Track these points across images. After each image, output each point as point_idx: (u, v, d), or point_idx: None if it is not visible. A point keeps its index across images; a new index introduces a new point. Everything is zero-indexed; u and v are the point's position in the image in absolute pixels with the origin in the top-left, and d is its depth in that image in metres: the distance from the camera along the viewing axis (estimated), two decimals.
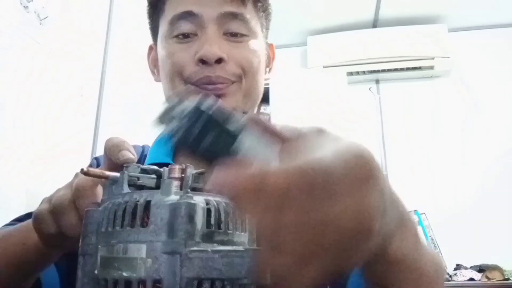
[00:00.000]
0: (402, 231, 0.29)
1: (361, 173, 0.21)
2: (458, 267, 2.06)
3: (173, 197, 0.29)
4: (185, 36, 0.62)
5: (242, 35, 0.64)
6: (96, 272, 0.28)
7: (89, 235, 0.30)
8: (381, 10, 2.57)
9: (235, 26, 0.63)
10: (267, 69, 0.74)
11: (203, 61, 0.60)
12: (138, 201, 0.29)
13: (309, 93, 2.49)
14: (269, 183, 0.20)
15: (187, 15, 0.61)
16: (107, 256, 0.28)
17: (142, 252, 0.27)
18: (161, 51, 0.66)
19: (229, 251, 0.26)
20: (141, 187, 0.32)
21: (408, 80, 2.68)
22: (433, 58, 2.52)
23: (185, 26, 0.62)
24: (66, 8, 1.47)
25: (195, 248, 0.27)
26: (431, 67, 2.56)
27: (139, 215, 0.28)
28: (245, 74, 0.63)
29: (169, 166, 0.32)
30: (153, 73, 0.72)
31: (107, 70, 1.69)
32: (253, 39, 0.65)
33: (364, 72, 2.67)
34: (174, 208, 0.27)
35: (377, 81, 2.75)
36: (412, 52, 2.54)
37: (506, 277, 1.91)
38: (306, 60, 2.75)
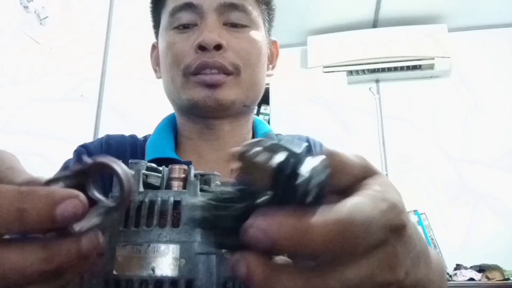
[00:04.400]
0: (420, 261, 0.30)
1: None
2: (458, 267, 2.06)
3: (201, 198, 0.29)
4: (185, 26, 0.62)
5: (243, 26, 0.63)
6: (115, 272, 0.27)
7: None
8: (381, 10, 2.57)
9: (235, 17, 0.62)
10: (270, 66, 0.73)
11: (202, 47, 0.59)
12: (166, 201, 0.29)
13: (309, 93, 2.49)
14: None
15: (187, 7, 0.62)
16: (130, 256, 0.27)
17: (175, 252, 0.27)
18: (161, 43, 0.66)
19: None
20: (147, 185, 0.32)
21: (408, 80, 2.69)
22: (433, 58, 2.52)
23: (185, 17, 0.62)
24: (66, 8, 1.47)
25: None
26: (431, 67, 2.56)
27: (170, 215, 0.28)
28: (244, 66, 0.62)
29: (170, 166, 0.32)
30: (155, 71, 0.72)
31: (107, 70, 1.69)
32: (254, 29, 0.64)
33: (364, 72, 2.67)
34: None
35: (377, 81, 2.75)
36: (412, 52, 2.54)
37: (506, 277, 1.91)
38: (306, 60, 2.76)
